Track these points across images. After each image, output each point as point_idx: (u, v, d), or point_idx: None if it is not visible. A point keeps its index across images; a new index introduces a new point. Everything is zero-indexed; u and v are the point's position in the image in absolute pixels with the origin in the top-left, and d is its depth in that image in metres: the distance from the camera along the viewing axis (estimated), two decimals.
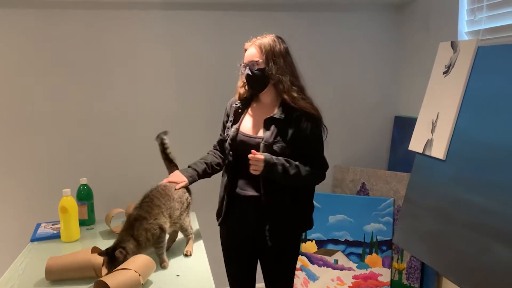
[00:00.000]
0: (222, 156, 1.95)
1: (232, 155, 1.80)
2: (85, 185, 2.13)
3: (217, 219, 1.91)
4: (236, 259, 1.95)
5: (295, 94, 1.72)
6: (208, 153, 2.01)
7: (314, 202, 1.88)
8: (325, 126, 1.79)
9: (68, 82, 2.47)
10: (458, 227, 1.73)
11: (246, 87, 1.84)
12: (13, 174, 2.48)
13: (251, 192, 1.76)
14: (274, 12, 2.65)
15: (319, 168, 1.77)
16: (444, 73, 1.95)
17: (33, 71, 2.43)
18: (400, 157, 2.76)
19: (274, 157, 1.67)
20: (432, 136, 1.94)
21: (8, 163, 2.47)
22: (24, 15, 2.37)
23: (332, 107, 2.83)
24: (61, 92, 2.47)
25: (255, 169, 1.66)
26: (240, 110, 1.84)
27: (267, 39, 1.76)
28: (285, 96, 1.72)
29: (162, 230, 1.66)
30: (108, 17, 2.46)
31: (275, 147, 1.70)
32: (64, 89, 2.48)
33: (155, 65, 2.57)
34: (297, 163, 1.71)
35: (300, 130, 1.72)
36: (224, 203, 1.83)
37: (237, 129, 1.80)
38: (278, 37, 1.78)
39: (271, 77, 1.72)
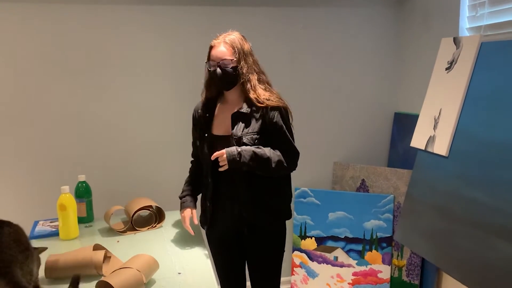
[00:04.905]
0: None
1: (212, 160, 1.78)
2: (84, 182, 2.10)
3: (203, 224, 1.94)
4: (226, 259, 1.96)
5: (261, 92, 1.77)
6: (191, 173, 2.02)
7: (314, 199, 1.89)
8: (291, 114, 1.82)
9: (65, 79, 2.44)
10: (461, 224, 1.73)
11: (211, 86, 1.85)
12: (11, 171, 2.45)
13: (232, 187, 1.79)
14: (272, 8, 2.63)
15: (291, 154, 1.80)
16: (446, 69, 1.94)
17: (30, 68, 2.39)
18: (400, 153, 2.76)
19: (238, 148, 1.70)
20: (435, 133, 1.93)
21: (5, 159, 2.43)
22: (20, 11, 2.33)
23: (331, 103, 2.82)
24: (58, 89, 2.44)
25: (222, 164, 1.70)
26: (208, 115, 1.86)
27: (236, 37, 1.77)
28: (251, 96, 1.76)
29: None
30: (105, 13, 2.43)
31: (244, 139, 1.74)
32: (61, 86, 2.44)
33: (152, 62, 2.54)
34: (268, 148, 1.74)
35: (267, 120, 1.75)
36: (209, 205, 1.86)
37: (211, 134, 1.83)
38: (243, 36, 1.81)
39: (241, 76, 1.76)
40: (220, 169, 1.72)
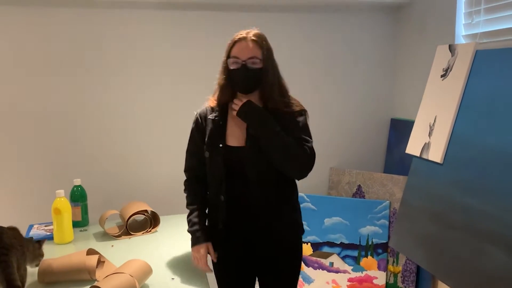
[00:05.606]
0: (204, 182, 1.67)
1: (226, 173, 1.58)
2: (79, 186, 2.10)
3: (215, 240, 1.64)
4: (236, 277, 1.70)
5: (281, 99, 1.59)
6: (195, 196, 1.67)
7: (310, 204, 1.85)
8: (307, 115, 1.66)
9: (61, 81, 2.44)
10: (455, 230, 1.73)
11: (227, 88, 1.61)
12: (5, 174, 2.44)
13: (248, 204, 1.58)
14: (272, 14, 2.64)
15: (307, 151, 1.60)
16: (441, 76, 1.95)
17: (27, 69, 2.39)
18: (396, 159, 2.76)
19: (261, 107, 1.55)
20: (430, 140, 1.94)
21: (0, 163, 2.43)
22: (20, 13, 2.34)
23: (328, 109, 2.82)
24: (55, 91, 2.44)
25: (235, 108, 1.55)
26: (221, 122, 1.61)
27: (262, 35, 1.57)
28: (271, 102, 1.57)
29: None
30: (105, 16, 2.43)
31: (261, 152, 1.54)
32: (57, 88, 2.44)
33: (151, 64, 2.54)
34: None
35: (285, 125, 1.56)
36: (221, 228, 1.60)
37: (225, 145, 1.58)
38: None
39: (266, 79, 1.55)
40: (232, 106, 1.56)
